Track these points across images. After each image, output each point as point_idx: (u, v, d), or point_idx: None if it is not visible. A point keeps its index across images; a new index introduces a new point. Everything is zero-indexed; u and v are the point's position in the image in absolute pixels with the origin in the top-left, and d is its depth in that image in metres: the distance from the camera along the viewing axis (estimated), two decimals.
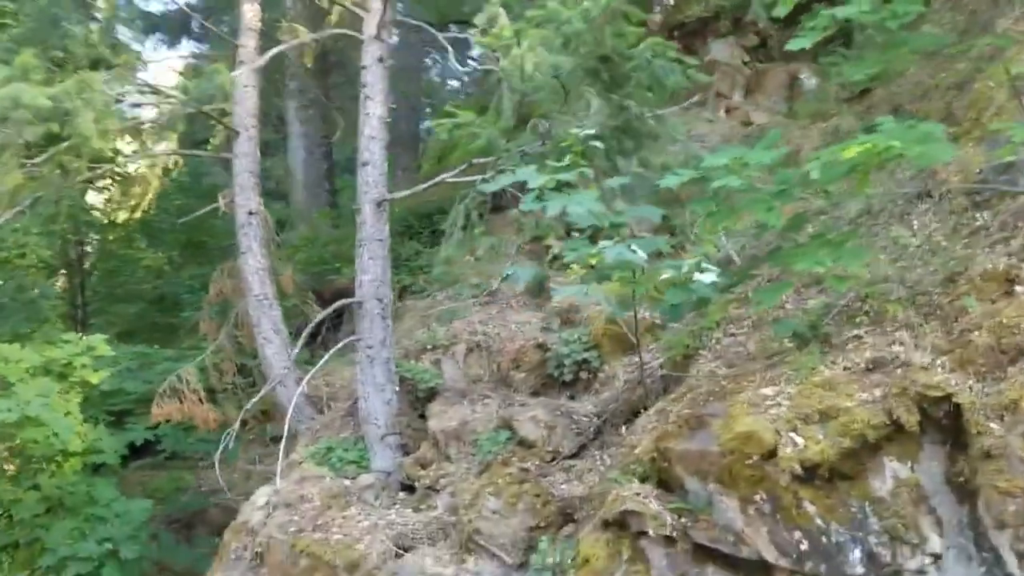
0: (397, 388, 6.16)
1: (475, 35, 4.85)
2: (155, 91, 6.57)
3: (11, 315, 7.39)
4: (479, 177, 5.37)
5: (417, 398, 6.27)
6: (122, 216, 11.42)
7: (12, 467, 6.33)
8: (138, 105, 6.32)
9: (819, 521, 3.44)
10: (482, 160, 5.29)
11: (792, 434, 3.55)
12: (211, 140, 9.62)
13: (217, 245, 13.39)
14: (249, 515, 5.67)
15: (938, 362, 3.52)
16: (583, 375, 6.03)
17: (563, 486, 4.92)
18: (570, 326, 6.49)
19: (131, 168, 10.55)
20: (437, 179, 6.17)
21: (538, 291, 7.79)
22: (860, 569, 3.33)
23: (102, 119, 4.56)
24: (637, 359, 5.63)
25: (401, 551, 4.93)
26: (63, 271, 11.84)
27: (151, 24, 11.97)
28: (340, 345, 6.26)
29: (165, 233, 12.67)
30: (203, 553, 8.32)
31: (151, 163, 9.67)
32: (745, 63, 9.64)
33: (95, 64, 5.96)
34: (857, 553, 3.35)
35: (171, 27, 12.24)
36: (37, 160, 5.92)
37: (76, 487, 6.56)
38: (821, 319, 4.19)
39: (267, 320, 7.14)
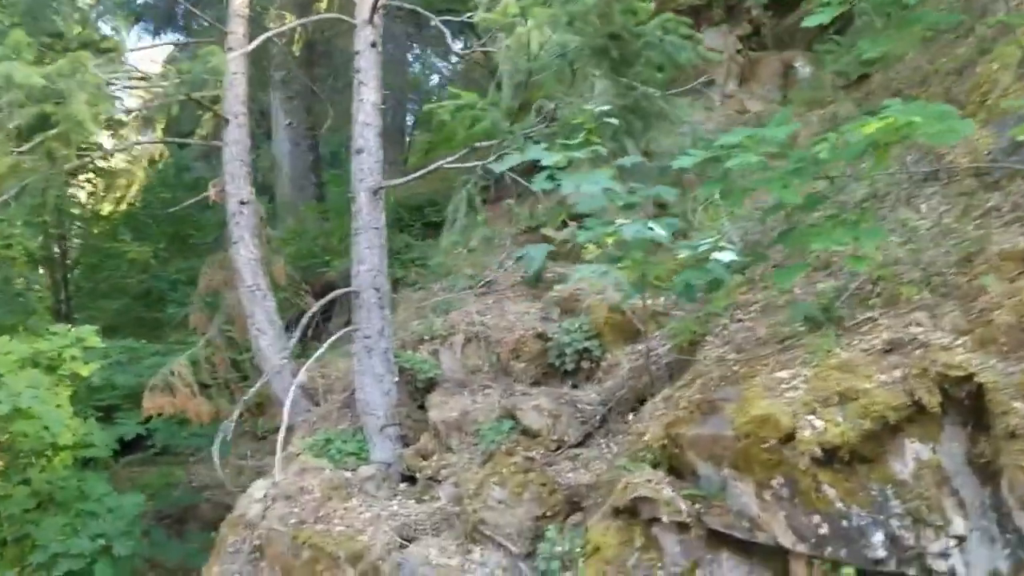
0: (396, 378, 6.06)
1: (476, 14, 4.72)
2: (144, 77, 6.41)
3: None
4: (478, 163, 5.27)
5: (416, 388, 6.17)
6: (106, 209, 11.24)
7: (0, 462, 6.16)
8: (131, 87, 6.15)
9: (839, 505, 3.38)
10: (484, 144, 5.18)
11: (810, 417, 3.49)
12: (198, 130, 9.43)
13: (203, 239, 13.22)
14: (246, 508, 5.56)
15: (958, 342, 3.47)
16: (585, 364, 5.96)
17: (569, 475, 4.84)
18: (570, 315, 6.41)
19: (117, 158, 10.42)
20: (434, 165, 6.06)
21: (535, 281, 7.71)
22: (882, 553, 3.28)
23: (95, 101, 4.42)
24: (641, 347, 5.57)
25: (405, 542, 4.84)
26: (45, 266, 11.58)
27: (134, 14, 11.76)
28: (337, 335, 6.15)
29: (150, 226, 12.46)
30: (195, 549, 8.21)
31: (137, 154, 9.53)
32: (738, 51, 9.59)
33: (84, 48, 5.80)
34: (879, 536, 3.29)
35: (155, 17, 12.02)
36: (24, 148, 5.77)
37: (67, 482, 6.40)
38: (833, 302, 4.13)
39: (261, 311, 7.00)
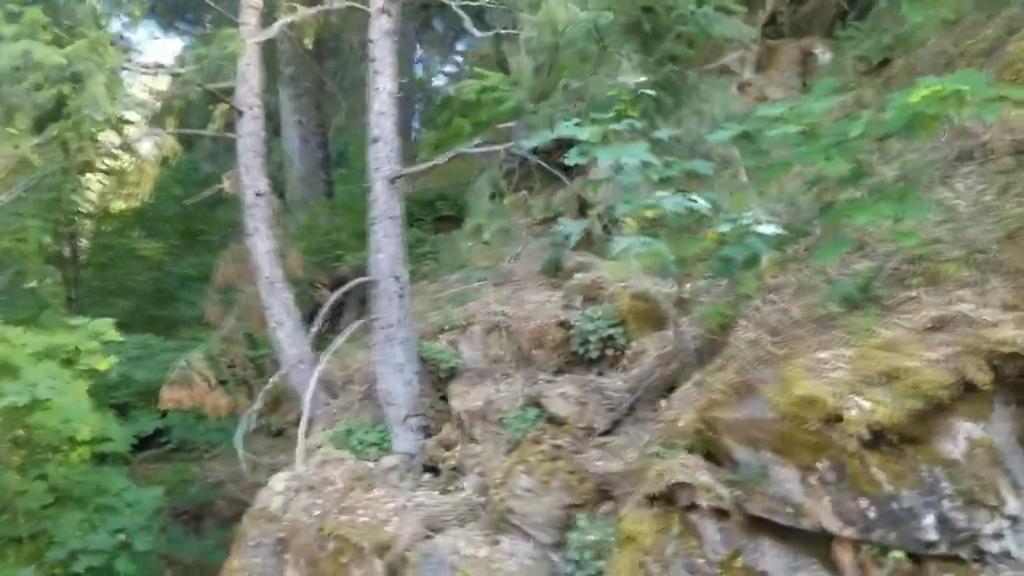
0: (417, 368, 5.97)
1: None
2: (159, 66, 6.34)
3: (11, 301, 7.12)
4: (499, 147, 5.17)
5: (438, 378, 6.08)
6: (118, 206, 11.17)
7: (17, 457, 6.08)
8: (147, 72, 6.06)
9: (888, 487, 3.27)
10: (508, 125, 5.08)
11: (856, 397, 3.38)
12: (209, 125, 9.36)
13: (214, 236, 13.16)
14: (268, 501, 5.48)
15: (1007, 318, 3.36)
16: (609, 352, 5.86)
17: (598, 463, 4.75)
18: (593, 303, 6.32)
19: (128, 156, 10.35)
20: (455, 151, 5.97)
21: (554, 271, 7.63)
22: (933, 535, 3.17)
23: (112, 84, 4.35)
24: (668, 333, 5.48)
25: (431, 533, 4.75)
26: (55, 265, 11.51)
27: (144, 8, 11.69)
28: (358, 324, 6.06)
29: (161, 224, 12.39)
30: (212, 545, 8.14)
31: (148, 152, 9.46)
32: (755, 39, 9.47)
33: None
34: (930, 519, 3.18)
35: (164, 11, 11.96)
36: (39, 140, 5.70)
37: (85, 477, 6.33)
38: (870, 283, 4.03)
39: (278, 303, 6.92)
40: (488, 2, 5.81)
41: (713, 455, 4.01)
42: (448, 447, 5.57)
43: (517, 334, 6.45)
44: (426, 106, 20.35)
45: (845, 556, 3.50)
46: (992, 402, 3.30)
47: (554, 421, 5.14)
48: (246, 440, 9.96)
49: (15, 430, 5.79)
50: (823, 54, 8.65)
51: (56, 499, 6.11)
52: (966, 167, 4.84)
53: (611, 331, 5.82)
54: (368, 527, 4.79)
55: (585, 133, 3.20)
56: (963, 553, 3.17)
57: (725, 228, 3.35)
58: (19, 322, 6.11)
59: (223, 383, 7.60)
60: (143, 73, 6.26)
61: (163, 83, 10.36)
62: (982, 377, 3.24)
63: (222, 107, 9.27)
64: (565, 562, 4.37)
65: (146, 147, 10.83)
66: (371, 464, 5.52)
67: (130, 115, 9.04)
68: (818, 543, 3.58)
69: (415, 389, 5.88)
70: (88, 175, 9.23)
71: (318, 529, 4.92)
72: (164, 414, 8.73)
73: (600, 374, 5.70)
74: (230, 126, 8.59)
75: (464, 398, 5.73)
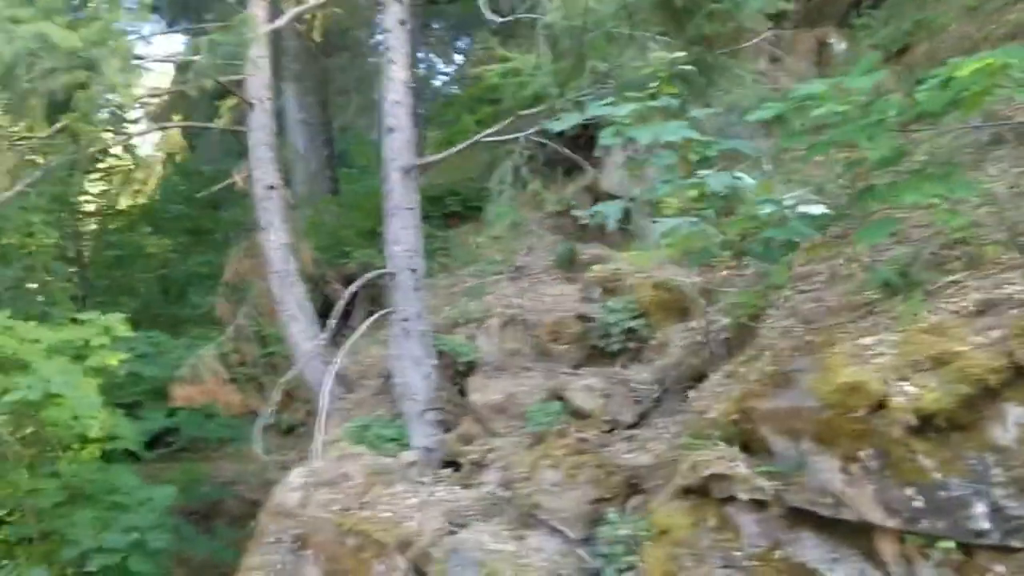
0: (435, 362, 5.86)
1: None
2: (170, 56, 6.23)
3: (20, 297, 7.04)
4: (519, 134, 5.06)
5: (456, 372, 5.98)
6: (124, 203, 11.07)
7: (26, 455, 5.97)
8: (159, 60, 5.97)
9: (936, 475, 3.16)
10: (531, 111, 4.98)
11: (902, 383, 3.27)
12: (216, 120, 9.22)
13: (221, 234, 13.06)
14: (285, 497, 5.37)
15: None
16: (631, 344, 5.77)
17: (626, 456, 4.64)
18: (612, 295, 6.22)
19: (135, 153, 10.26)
20: (474, 138, 5.85)
21: (569, 264, 7.54)
22: (985, 524, 3.06)
23: (127, 69, 4.25)
24: (694, 324, 5.38)
25: (454, 528, 4.64)
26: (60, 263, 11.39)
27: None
28: (374, 317, 5.95)
29: (167, 221, 12.28)
30: (222, 545, 8.04)
31: (155, 146, 9.37)
32: (768, 29, 9.36)
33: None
34: (982, 507, 3.07)
35: (171, 5, 11.86)
36: (48, 132, 5.61)
37: (96, 475, 6.22)
38: (909, 268, 3.92)
39: (291, 297, 6.81)
40: None
41: (749, 446, 3.90)
42: (468, 441, 5.46)
43: (535, 328, 6.35)
44: (427, 107, 20.27)
45: (887, 547, 3.39)
46: None
47: (578, 414, 5.04)
48: (258, 439, 9.88)
49: (25, 427, 5.68)
50: (838, 43, 8.55)
51: (68, 497, 6.00)
52: (998, 150, 4.74)
53: (633, 323, 5.72)
54: (390, 522, 4.68)
55: (624, 110, 3.09)
56: (1016, 543, 3.06)
57: (768, 209, 3.24)
58: (28, 318, 6.00)
59: (234, 380, 7.50)
60: (154, 61, 6.16)
61: (165, 81, 10.30)
62: None
63: (228, 103, 9.14)
64: (594, 557, 4.26)
65: (151, 144, 10.76)
66: (389, 459, 5.41)
67: (134, 113, 8.97)
68: (859, 534, 3.48)
69: (433, 383, 5.77)
70: (94, 172, 9.11)
71: (338, 525, 4.82)
72: (172, 413, 8.63)
73: (623, 367, 5.60)
74: (238, 122, 8.50)
75: (484, 392, 5.63)
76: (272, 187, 7.12)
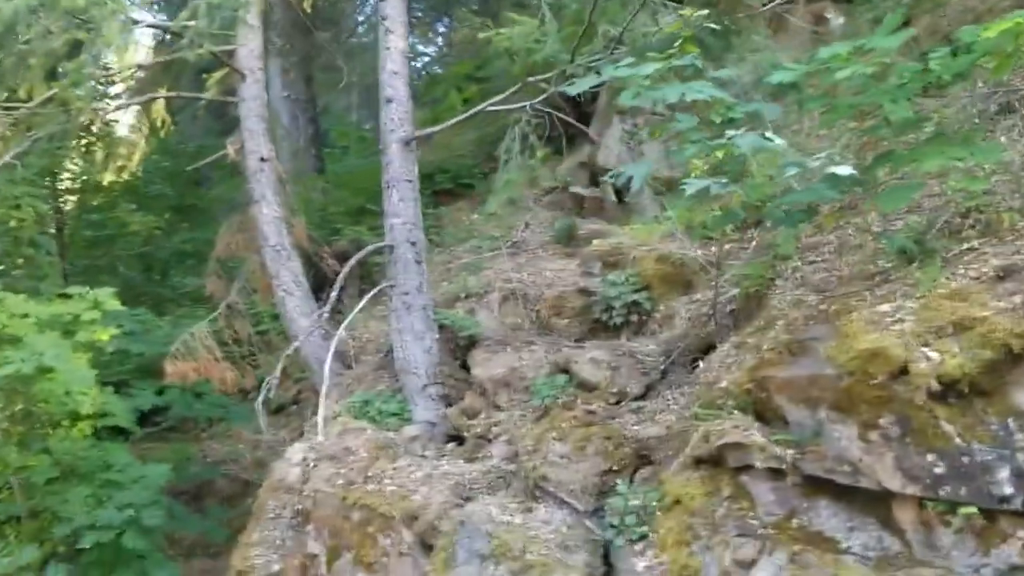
0: (436, 336, 5.78)
1: None
2: (163, 23, 6.04)
3: (8, 271, 6.84)
4: (525, 103, 4.96)
5: (458, 346, 5.90)
6: (107, 179, 10.81)
7: (16, 432, 5.82)
8: (153, 25, 5.78)
9: (959, 441, 3.15)
10: (538, 78, 4.87)
11: (924, 349, 3.25)
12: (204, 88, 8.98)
13: (207, 210, 12.84)
14: (285, 473, 5.29)
15: None
16: (633, 318, 5.71)
17: (635, 427, 4.60)
18: (613, 269, 6.16)
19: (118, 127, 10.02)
20: (477, 108, 5.74)
21: (567, 239, 7.47)
22: (1008, 490, 3.05)
23: (125, 31, 4.09)
24: (698, 295, 5.35)
25: (461, 501, 4.59)
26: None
27: None
28: (375, 291, 5.85)
29: (151, 198, 12.02)
30: (214, 524, 7.94)
31: (137, 119, 9.14)
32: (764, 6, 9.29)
33: None
34: (1005, 472, 3.06)
35: None
36: (38, 101, 5.44)
37: (88, 452, 6.09)
38: (925, 235, 3.89)
39: (286, 272, 6.69)
40: None
41: (762, 415, 3.88)
42: (471, 416, 5.40)
43: (536, 302, 6.29)
44: (412, 87, 20.02)
45: (906, 515, 3.38)
46: None
47: (584, 387, 4.98)
48: (244, 419, 9.75)
49: (15, 404, 5.54)
50: (836, 18, 8.48)
51: (61, 474, 5.87)
52: (1007, 120, 4.72)
53: (635, 296, 5.67)
54: (396, 496, 4.62)
55: (648, 69, 3.01)
56: None
57: (792, 171, 3.18)
58: (17, 292, 5.82)
59: (228, 358, 7.37)
60: (149, 26, 5.97)
61: (146, 58, 10.03)
62: None
63: (215, 76, 8.93)
64: (603, 528, 4.22)
65: (133, 119, 10.47)
66: (392, 434, 5.34)
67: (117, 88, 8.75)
68: (877, 502, 3.46)
69: (434, 357, 5.70)
70: (79, 146, 8.88)
71: (342, 499, 4.75)
72: (161, 391, 8.47)
73: (627, 340, 5.55)
74: (228, 94, 8.30)
75: (486, 366, 5.56)
76: (265, 159, 6.98)
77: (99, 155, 10.18)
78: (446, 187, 11.62)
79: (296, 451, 5.40)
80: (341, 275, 5.76)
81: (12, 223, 6.66)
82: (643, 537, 3.98)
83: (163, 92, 8.40)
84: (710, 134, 3.10)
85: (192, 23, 4.78)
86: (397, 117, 6.12)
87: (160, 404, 7.94)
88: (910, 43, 7.13)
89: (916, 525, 3.34)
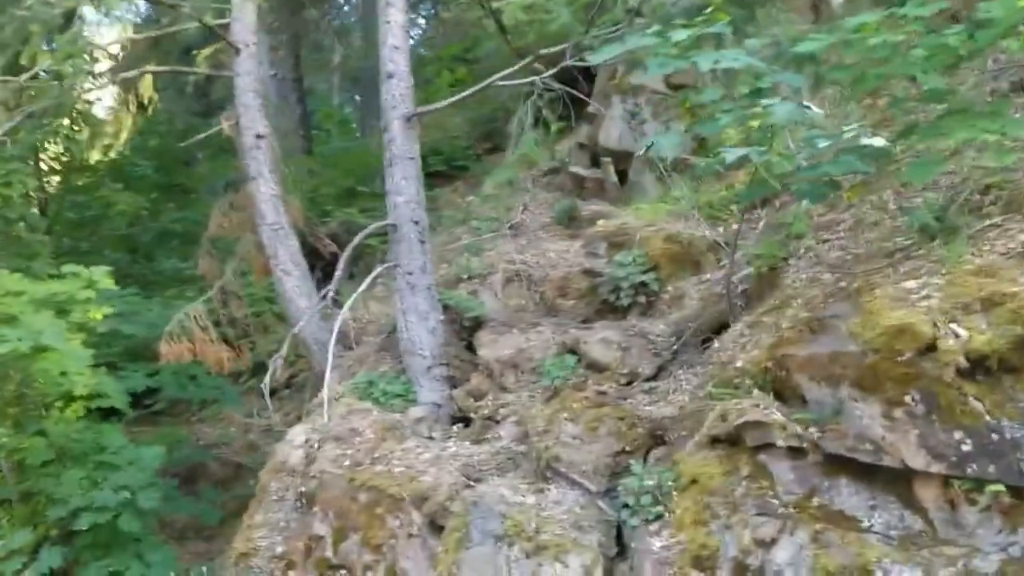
0: (441, 317, 5.69)
1: None
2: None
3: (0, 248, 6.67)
4: (534, 78, 4.86)
5: (462, 327, 5.82)
6: (94, 157, 10.58)
7: (10, 414, 5.68)
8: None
9: (988, 418, 3.12)
10: (551, 50, 4.77)
11: (952, 325, 3.21)
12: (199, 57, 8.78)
13: (195, 190, 12.63)
14: (287, 454, 5.19)
15: None
16: (641, 299, 5.66)
17: (648, 408, 4.55)
18: (618, 250, 6.09)
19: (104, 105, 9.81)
20: (484, 83, 5.62)
21: (568, 221, 7.40)
22: None
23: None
24: (708, 275, 5.30)
25: (471, 482, 4.52)
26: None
27: None
28: (378, 271, 5.73)
29: (137, 178, 11.78)
30: (207, 507, 7.84)
31: (128, 95, 8.95)
32: None
33: None
34: None
35: None
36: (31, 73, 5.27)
37: (81, 434, 5.96)
38: (945, 212, 3.86)
39: (284, 250, 6.56)
40: None
41: (780, 394, 3.84)
42: (478, 397, 5.33)
43: (540, 283, 6.23)
44: None
45: (928, 493, 3.35)
46: None
47: (595, 367, 4.93)
48: (237, 402, 9.64)
49: (9, 384, 5.39)
50: None
51: (56, 456, 5.74)
52: (1021, 98, 4.69)
53: (643, 277, 5.61)
54: (405, 477, 4.54)
55: (681, 35, 2.92)
56: None
57: (823, 143, 3.12)
58: (10, 271, 5.66)
59: (223, 340, 7.24)
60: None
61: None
62: None
63: (204, 52, 8.74)
64: (616, 508, 4.17)
65: (118, 95, 10.27)
66: (397, 415, 5.25)
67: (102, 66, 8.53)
68: (898, 481, 3.43)
69: (439, 338, 5.61)
70: (65, 123, 8.65)
71: (349, 480, 4.66)
72: (151, 374, 8.33)
73: (636, 321, 5.49)
74: (216, 69, 8.13)
75: (493, 347, 5.49)
76: (260, 136, 6.83)
77: (85, 133, 9.97)
78: (439, 169, 11.50)
79: (298, 432, 5.30)
80: (346, 253, 5.65)
81: (1, 202, 6.47)
82: (659, 517, 3.93)
83: (152, 68, 8.22)
84: (737, 105, 3.03)
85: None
86: (398, 93, 6.00)
87: (153, 386, 7.78)
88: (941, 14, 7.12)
89: (939, 503, 3.31)
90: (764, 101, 2.89)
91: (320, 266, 8.70)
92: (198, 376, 8.09)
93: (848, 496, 3.52)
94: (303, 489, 4.94)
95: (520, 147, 4.97)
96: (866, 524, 3.42)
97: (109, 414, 7.51)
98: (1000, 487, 3.08)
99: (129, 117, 9.82)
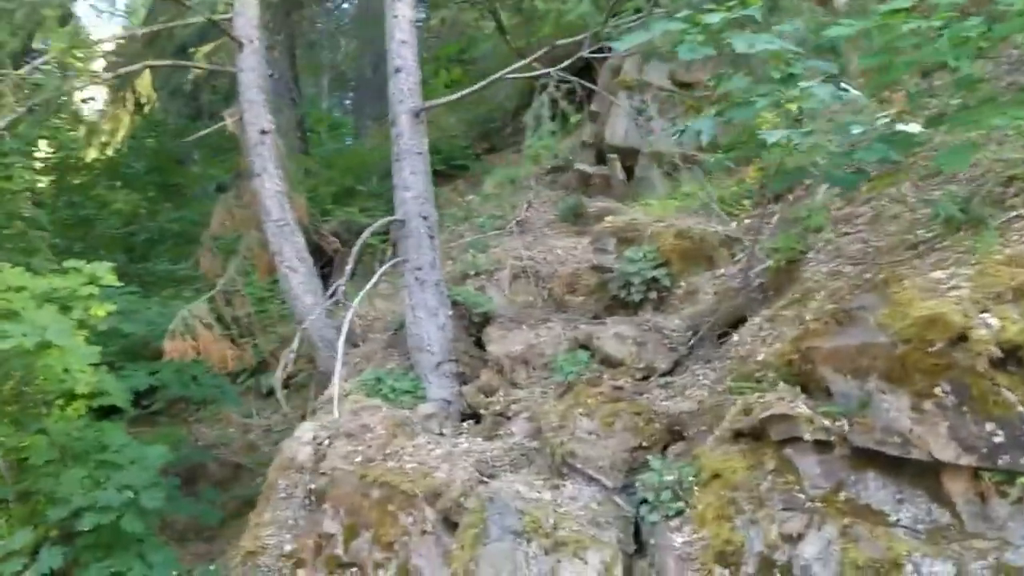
0: (450, 313, 5.62)
1: None
2: None
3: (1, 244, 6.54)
4: (547, 70, 4.81)
5: (471, 323, 5.75)
6: (91, 156, 10.43)
7: (10, 412, 5.56)
8: None
9: (1020, 408, 3.07)
10: (565, 41, 4.71)
11: (984, 315, 3.16)
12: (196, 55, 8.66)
13: (192, 189, 12.51)
14: (295, 452, 5.10)
15: None
16: (652, 294, 5.60)
17: (665, 403, 4.49)
18: (628, 246, 6.04)
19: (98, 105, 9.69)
20: (496, 75, 5.55)
21: (574, 217, 7.35)
22: None
23: None
24: (721, 270, 5.25)
25: (485, 479, 4.45)
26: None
27: None
28: (387, 265, 5.66)
29: (133, 177, 11.65)
30: (207, 508, 7.73)
31: (125, 93, 8.83)
32: None
33: None
34: None
35: None
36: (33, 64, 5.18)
37: (83, 432, 5.84)
38: (968, 203, 3.82)
39: (290, 247, 6.48)
40: None
41: (805, 387, 3.78)
42: (489, 393, 5.26)
43: (549, 280, 6.17)
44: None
45: (956, 486, 3.30)
46: None
47: (608, 363, 4.87)
48: (235, 402, 9.53)
49: (10, 381, 5.27)
50: None
51: (58, 455, 5.62)
52: None
53: (655, 272, 5.55)
54: (418, 473, 4.46)
55: (715, 18, 2.86)
56: None
57: (857, 130, 3.08)
58: (12, 266, 5.55)
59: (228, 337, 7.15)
60: None
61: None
62: None
63: (203, 49, 8.64)
64: (633, 505, 4.11)
65: (116, 93, 10.12)
66: (407, 411, 5.18)
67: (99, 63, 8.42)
68: (925, 474, 3.38)
69: (448, 334, 5.54)
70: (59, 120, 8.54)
71: (360, 477, 4.58)
72: (152, 372, 8.22)
73: (650, 316, 5.43)
74: (234, 53, 8.01)
75: (502, 343, 5.42)
76: (265, 131, 6.75)
77: (81, 131, 9.83)
78: (438, 169, 11.41)
79: (306, 429, 5.21)
80: (355, 249, 5.57)
81: (3, 194, 6.35)
82: (679, 512, 3.87)
83: (154, 62, 8.11)
84: (772, 89, 2.98)
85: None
86: (407, 87, 5.93)
87: (155, 384, 7.67)
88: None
89: (968, 496, 3.26)
90: (802, 84, 2.84)
91: (321, 264, 8.63)
92: (199, 375, 7.99)
93: (875, 490, 3.46)
94: (312, 486, 4.86)
95: (538, 139, 4.89)
96: (893, 518, 3.37)
97: (108, 413, 7.40)
98: None
99: (127, 115, 9.69)
